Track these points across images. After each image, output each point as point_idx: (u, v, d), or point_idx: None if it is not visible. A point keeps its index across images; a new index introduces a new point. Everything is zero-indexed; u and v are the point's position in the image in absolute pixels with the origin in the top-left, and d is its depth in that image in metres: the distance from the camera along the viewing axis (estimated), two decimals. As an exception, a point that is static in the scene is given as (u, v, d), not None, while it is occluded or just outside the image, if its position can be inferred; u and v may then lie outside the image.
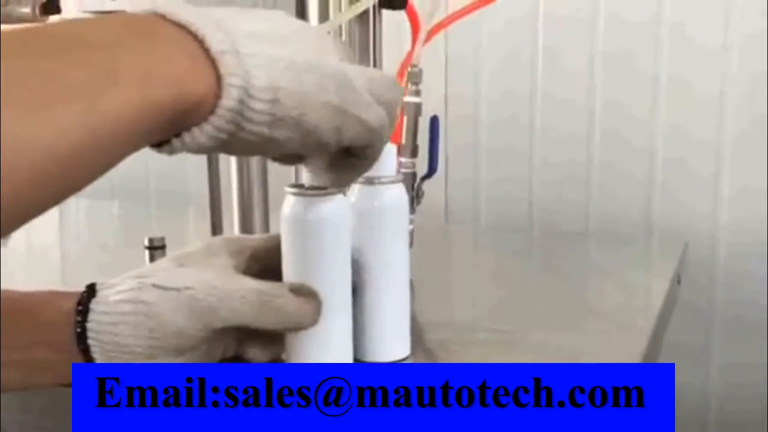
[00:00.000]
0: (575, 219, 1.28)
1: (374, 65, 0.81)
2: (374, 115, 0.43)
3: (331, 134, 0.41)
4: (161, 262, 0.54)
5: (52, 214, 1.37)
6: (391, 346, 0.59)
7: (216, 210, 0.77)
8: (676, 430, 0.41)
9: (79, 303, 0.51)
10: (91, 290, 0.52)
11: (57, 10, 1.09)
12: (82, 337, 0.50)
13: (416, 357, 0.60)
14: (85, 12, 0.66)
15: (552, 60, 1.24)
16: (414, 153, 0.74)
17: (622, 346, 0.66)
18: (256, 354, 0.55)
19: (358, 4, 0.72)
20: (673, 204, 1.22)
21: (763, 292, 1.17)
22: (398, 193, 0.58)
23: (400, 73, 0.77)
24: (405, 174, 0.73)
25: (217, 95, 0.37)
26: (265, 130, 0.39)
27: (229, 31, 0.38)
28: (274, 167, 0.53)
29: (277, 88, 0.39)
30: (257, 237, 0.58)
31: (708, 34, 1.17)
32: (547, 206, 1.30)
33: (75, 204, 1.45)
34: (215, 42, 0.37)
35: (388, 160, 0.56)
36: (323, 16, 0.75)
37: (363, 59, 0.79)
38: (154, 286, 0.50)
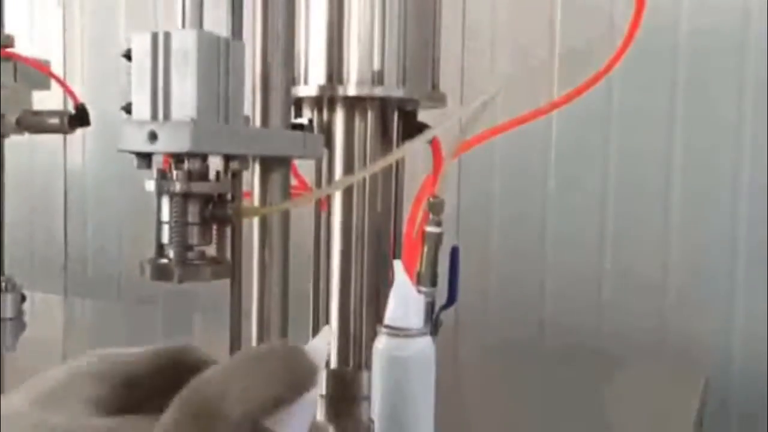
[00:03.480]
0: (588, 336, 1.28)
1: (396, 196, 0.81)
2: None
3: None
4: (17, 399, 0.46)
5: (57, 310, 1.36)
6: None
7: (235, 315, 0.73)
8: None
9: None
10: None
11: (86, 122, 1.11)
12: None
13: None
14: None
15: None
16: (434, 282, 0.74)
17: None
18: None
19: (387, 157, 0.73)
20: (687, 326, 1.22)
21: None
22: (425, 346, 0.57)
23: (418, 201, 0.77)
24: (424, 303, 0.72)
25: None
26: None
27: None
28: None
29: None
30: (135, 358, 0.49)
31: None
32: (557, 320, 1.30)
33: (80, 304, 1.44)
34: None
35: (417, 311, 0.56)
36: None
37: (385, 189, 0.80)
38: None
